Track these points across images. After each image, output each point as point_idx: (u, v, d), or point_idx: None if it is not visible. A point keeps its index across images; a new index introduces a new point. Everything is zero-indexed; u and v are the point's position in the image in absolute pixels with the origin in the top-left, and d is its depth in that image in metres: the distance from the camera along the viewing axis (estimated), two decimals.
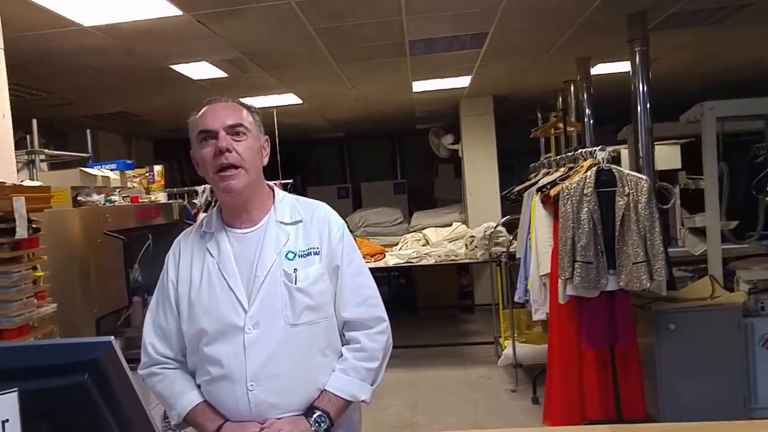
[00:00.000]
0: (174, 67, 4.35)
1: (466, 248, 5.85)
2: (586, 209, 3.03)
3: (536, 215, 3.57)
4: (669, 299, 3.32)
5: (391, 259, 6.01)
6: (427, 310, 7.56)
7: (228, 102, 1.46)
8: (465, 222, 6.97)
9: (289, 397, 1.40)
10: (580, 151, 3.55)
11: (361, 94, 6.34)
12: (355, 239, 5.20)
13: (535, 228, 3.56)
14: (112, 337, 1.01)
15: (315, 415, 1.38)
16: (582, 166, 3.31)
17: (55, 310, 2.52)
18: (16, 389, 0.86)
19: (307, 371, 1.42)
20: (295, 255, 1.45)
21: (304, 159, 11.23)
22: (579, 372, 3.29)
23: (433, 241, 6.27)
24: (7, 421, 0.85)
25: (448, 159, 8.58)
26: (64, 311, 2.60)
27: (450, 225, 6.63)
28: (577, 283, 3.01)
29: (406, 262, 5.97)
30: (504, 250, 5.07)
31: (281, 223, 1.48)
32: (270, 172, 1.57)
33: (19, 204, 2.23)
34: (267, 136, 1.52)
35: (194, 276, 1.45)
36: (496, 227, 5.44)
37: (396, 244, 6.61)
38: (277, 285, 1.42)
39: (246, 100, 4.75)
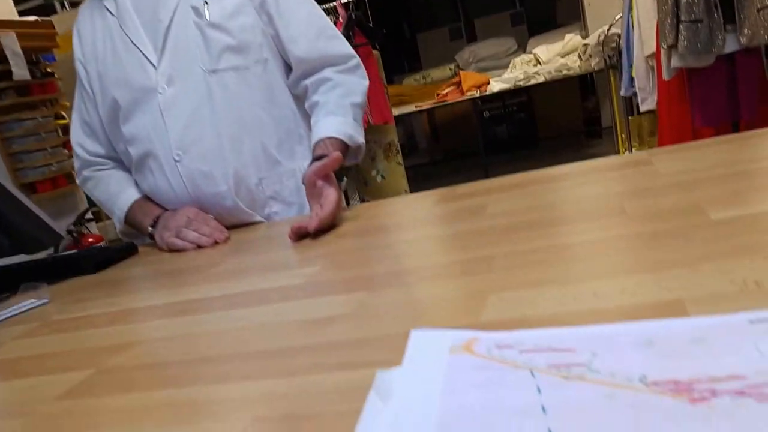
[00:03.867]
0: None
1: (580, 60, 5.15)
2: None
3: None
4: None
5: (496, 85, 5.49)
6: (549, 140, 6.99)
7: None
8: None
9: (224, 161, 1.17)
10: None
11: None
12: (460, 73, 4.69)
13: (636, 0, 2.90)
14: None
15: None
16: None
17: None
18: None
19: (244, 129, 1.18)
20: None
21: (411, 2, 10.50)
22: None
23: (545, 58, 5.59)
24: None
25: None
26: None
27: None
28: (684, 50, 2.41)
29: (513, 86, 5.42)
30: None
31: None
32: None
33: (10, 40, 2.11)
34: None
35: (98, 46, 1.23)
36: (610, 29, 4.65)
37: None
38: (187, 27, 1.15)
39: None
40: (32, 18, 2.57)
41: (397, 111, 5.84)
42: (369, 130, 4.41)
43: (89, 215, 2.49)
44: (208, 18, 1.14)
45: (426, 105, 6.12)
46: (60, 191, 2.42)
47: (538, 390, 0.36)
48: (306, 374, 0.48)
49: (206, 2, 1.15)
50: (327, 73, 1.20)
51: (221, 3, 1.15)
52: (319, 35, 1.21)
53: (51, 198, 2.43)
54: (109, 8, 1.21)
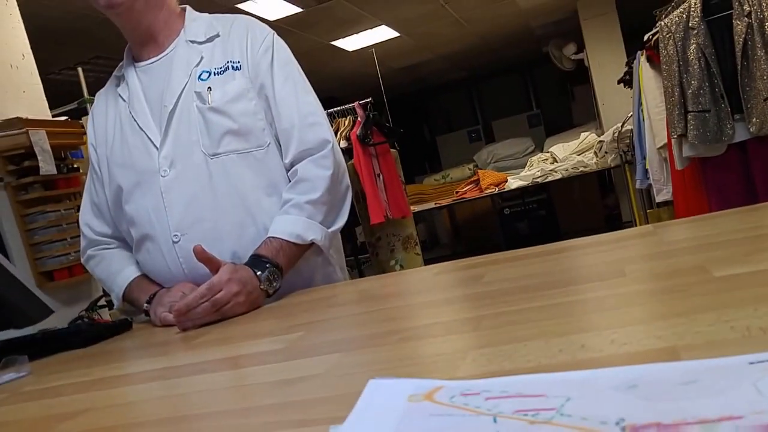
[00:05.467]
0: (242, 6, 4.26)
1: (596, 156, 5.20)
2: (693, 45, 2.40)
3: (644, 78, 2.96)
4: None
5: (514, 183, 5.53)
6: (571, 237, 6.89)
7: None
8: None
9: (222, 243, 1.14)
10: None
11: (461, 14, 5.86)
12: (478, 172, 4.77)
13: (645, 94, 2.95)
14: None
15: (261, 267, 1.07)
16: None
17: None
18: None
19: (246, 212, 1.16)
20: (210, 74, 1.19)
21: (432, 108, 10.88)
22: None
23: (561, 156, 5.65)
24: None
25: (584, 80, 7.77)
26: None
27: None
28: (694, 139, 2.41)
29: (531, 183, 5.46)
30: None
31: (193, 42, 1.22)
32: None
33: (39, 138, 2.19)
34: None
35: (109, 130, 1.25)
36: (623, 125, 4.72)
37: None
38: (190, 112, 1.17)
39: (340, 42, 4.43)
40: (63, 118, 2.69)
41: (417, 208, 5.89)
42: (388, 224, 4.43)
43: (102, 302, 2.48)
44: (210, 103, 1.16)
45: (445, 202, 6.16)
46: (75, 279, 2.43)
47: None
48: None
49: (209, 88, 1.17)
50: (298, 165, 1.18)
51: (224, 88, 1.17)
52: (302, 126, 1.19)
53: (67, 286, 2.43)
54: (122, 95, 1.25)
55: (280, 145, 1.21)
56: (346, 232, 5.11)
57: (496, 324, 0.58)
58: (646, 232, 0.91)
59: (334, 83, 7.58)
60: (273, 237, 1.12)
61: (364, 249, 4.82)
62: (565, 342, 0.47)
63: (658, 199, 3.00)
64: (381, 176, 4.48)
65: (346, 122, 4.63)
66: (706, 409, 0.30)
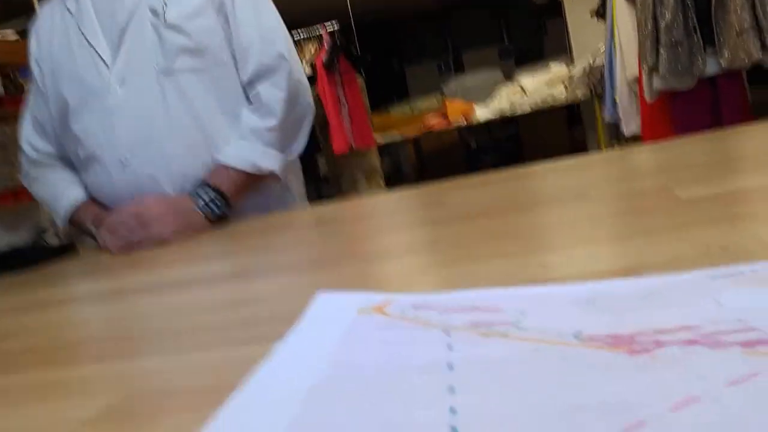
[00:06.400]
0: None
1: (566, 90, 5.17)
2: None
3: (617, 9, 2.90)
4: None
5: (482, 114, 5.49)
6: None
7: None
8: None
9: (175, 166, 1.09)
10: None
11: None
12: (445, 101, 4.74)
13: (618, 25, 2.90)
14: None
15: (202, 193, 1.06)
16: None
17: None
18: None
19: (198, 133, 1.11)
20: None
21: (402, 39, 10.62)
22: None
23: (530, 88, 5.61)
24: None
25: (557, 14, 7.63)
26: None
27: None
28: (665, 72, 2.39)
29: (498, 116, 5.42)
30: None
31: None
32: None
33: None
34: None
35: (54, 44, 1.17)
36: (595, 60, 4.68)
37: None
38: (144, 28, 1.10)
39: None
40: (12, 37, 2.53)
41: (382, 139, 5.82)
42: (351, 155, 4.38)
43: (52, 235, 2.41)
44: (165, 19, 1.09)
45: (412, 133, 6.11)
46: (21, 205, 2.35)
47: (449, 347, 0.29)
48: (194, 351, 0.41)
49: (165, 3, 1.10)
50: (258, 86, 1.13)
51: (180, 4, 1.10)
52: (260, 42, 1.13)
53: (11, 212, 2.35)
54: (69, 8, 1.16)
55: (237, 65, 1.15)
56: (308, 161, 5.03)
57: (454, 244, 0.56)
58: (612, 157, 0.90)
59: (299, 5, 7.31)
60: (224, 165, 1.09)
61: (327, 182, 4.78)
62: (525, 262, 0.45)
63: (627, 132, 3.00)
64: (346, 105, 4.39)
65: (312, 48, 4.49)
66: (664, 320, 0.29)
